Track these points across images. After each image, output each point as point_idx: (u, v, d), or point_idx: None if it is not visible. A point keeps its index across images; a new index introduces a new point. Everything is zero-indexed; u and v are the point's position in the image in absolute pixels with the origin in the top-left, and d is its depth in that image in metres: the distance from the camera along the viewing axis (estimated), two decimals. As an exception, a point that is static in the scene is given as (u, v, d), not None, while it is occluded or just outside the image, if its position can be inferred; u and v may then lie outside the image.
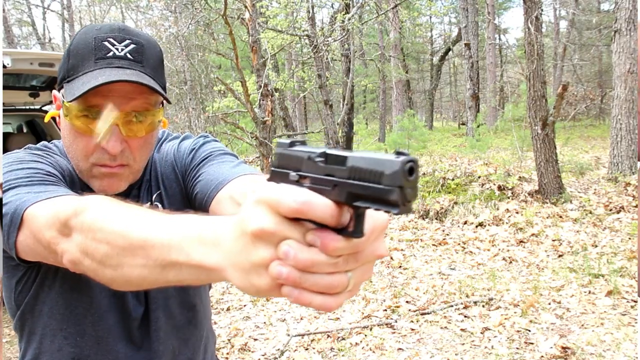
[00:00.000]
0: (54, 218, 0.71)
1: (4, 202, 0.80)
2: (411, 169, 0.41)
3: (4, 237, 0.79)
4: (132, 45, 0.91)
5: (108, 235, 0.62)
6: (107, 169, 0.92)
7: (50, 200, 0.77)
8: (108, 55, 0.89)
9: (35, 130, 5.80)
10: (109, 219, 0.63)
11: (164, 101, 0.97)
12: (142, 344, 1.00)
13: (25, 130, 6.02)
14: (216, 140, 1.10)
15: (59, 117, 0.96)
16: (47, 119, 1.04)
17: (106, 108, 0.88)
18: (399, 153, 0.42)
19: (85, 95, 0.85)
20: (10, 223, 0.77)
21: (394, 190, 0.40)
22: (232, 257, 0.48)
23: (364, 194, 0.42)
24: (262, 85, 7.27)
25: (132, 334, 0.99)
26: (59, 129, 0.98)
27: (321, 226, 0.44)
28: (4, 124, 5.90)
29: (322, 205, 0.43)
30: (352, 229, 0.44)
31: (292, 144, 0.50)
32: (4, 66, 3.96)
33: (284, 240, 0.44)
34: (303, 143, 0.50)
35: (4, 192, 0.82)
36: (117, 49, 0.89)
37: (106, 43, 0.89)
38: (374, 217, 0.45)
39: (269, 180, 0.50)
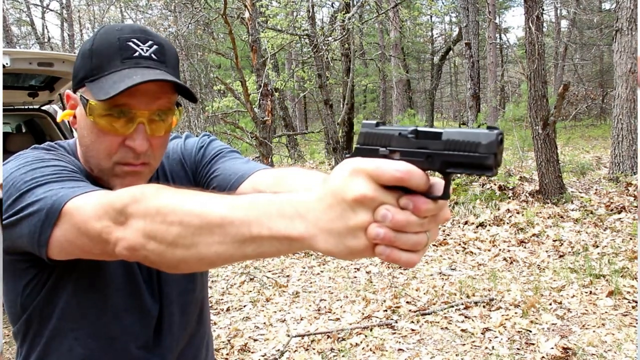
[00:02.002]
0: (106, 208, 0.71)
1: (33, 199, 0.79)
2: (501, 139, 0.50)
3: (32, 234, 0.78)
4: (155, 46, 0.92)
5: (182, 216, 0.63)
6: (130, 167, 0.93)
7: (91, 194, 0.77)
8: (134, 55, 0.90)
9: (35, 130, 5.78)
10: (179, 202, 0.65)
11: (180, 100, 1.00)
12: (155, 342, 1.01)
13: (24, 130, 6.00)
14: (217, 139, 1.14)
15: (74, 117, 0.96)
16: (60, 119, 1.05)
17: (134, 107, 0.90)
18: (490, 127, 0.50)
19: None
20: (46, 218, 0.76)
21: (490, 156, 0.49)
22: (325, 224, 0.53)
23: (459, 161, 0.51)
24: (262, 85, 7.26)
25: (148, 332, 1.00)
26: (62, 130, 0.98)
27: (410, 192, 0.52)
28: (3, 124, 5.89)
29: (418, 174, 0.51)
30: (442, 193, 0.53)
31: (378, 125, 0.58)
32: (3, 66, 3.94)
33: (381, 205, 0.51)
34: (384, 123, 0.58)
35: (28, 190, 0.81)
36: (142, 50, 0.91)
37: (131, 44, 0.90)
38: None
39: (353, 156, 0.56)
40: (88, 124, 0.92)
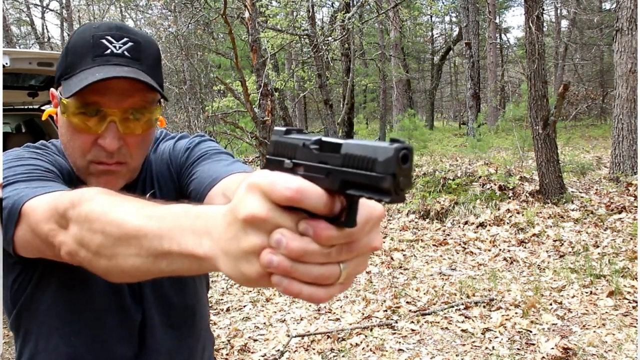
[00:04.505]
0: (52, 210, 0.71)
1: (2, 197, 0.80)
2: (405, 156, 0.40)
3: (2, 232, 0.79)
4: (130, 44, 0.91)
5: (104, 225, 0.62)
6: (104, 166, 0.92)
7: (48, 195, 0.76)
8: (106, 53, 0.89)
9: (34, 129, 5.78)
10: (105, 209, 0.63)
11: (162, 99, 0.97)
12: (139, 344, 1.00)
13: (23, 130, 6.00)
14: (212, 140, 1.11)
15: (57, 115, 0.96)
16: (44, 116, 1.04)
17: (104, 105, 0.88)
18: (393, 140, 0.40)
19: (82, 92, 0.85)
20: (8, 217, 0.77)
21: (387, 177, 0.39)
22: (223, 245, 0.47)
23: (357, 181, 0.41)
24: (262, 84, 7.25)
25: (131, 334, 0.99)
26: (57, 127, 0.98)
27: (314, 215, 0.43)
28: (3, 124, 5.89)
29: (314, 194, 0.42)
30: (345, 219, 0.43)
31: (287, 132, 0.49)
32: (3, 66, 3.94)
33: (277, 228, 0.43)
34: (299, 131, 0.49)
35: (2, 187, 0.82)
36: (114, 47, 0.90)
37: (104, 41, 0.90)
38: (369, 207, 0.44)
39: (264, 168, 0.48)
40: (64, 122, 0.92)
